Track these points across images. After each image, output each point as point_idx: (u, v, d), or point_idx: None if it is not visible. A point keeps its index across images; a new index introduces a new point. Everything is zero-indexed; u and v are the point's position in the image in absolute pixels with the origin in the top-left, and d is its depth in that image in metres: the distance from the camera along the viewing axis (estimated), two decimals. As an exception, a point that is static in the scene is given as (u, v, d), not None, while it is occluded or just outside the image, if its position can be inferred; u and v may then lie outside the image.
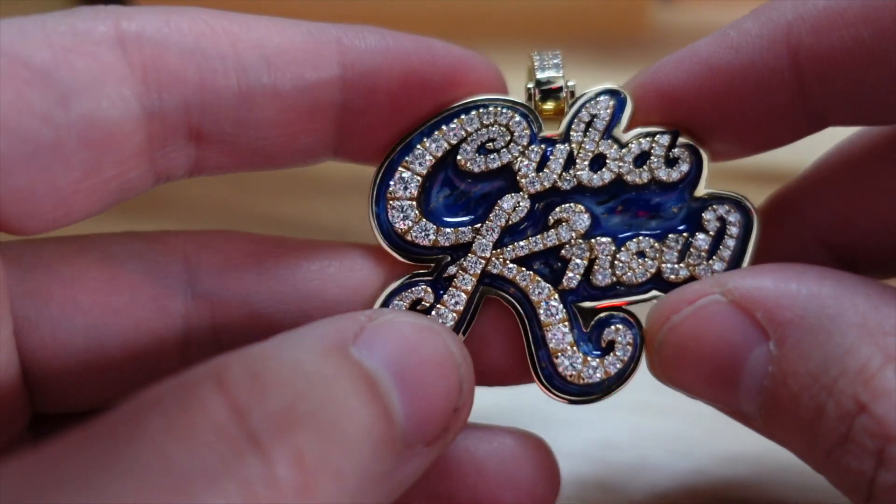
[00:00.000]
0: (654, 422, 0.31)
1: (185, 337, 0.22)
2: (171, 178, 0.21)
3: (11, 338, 0.20)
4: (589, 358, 0.22)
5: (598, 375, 0.22)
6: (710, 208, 0.23)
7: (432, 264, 0.23)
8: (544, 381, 0.22)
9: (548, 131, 0.23)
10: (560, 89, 0.23)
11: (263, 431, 0.15)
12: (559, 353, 0.22)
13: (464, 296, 0.23)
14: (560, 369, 0.22)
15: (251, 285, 0.22)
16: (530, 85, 0.23)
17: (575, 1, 0.51)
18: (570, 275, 0.23)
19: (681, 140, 0.23)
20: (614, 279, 0.23)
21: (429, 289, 0.23)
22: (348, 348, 0.18)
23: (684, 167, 0.23)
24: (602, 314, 0.23)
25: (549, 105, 0.23)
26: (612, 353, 0.22)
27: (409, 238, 0.22)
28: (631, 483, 0.29)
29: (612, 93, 0.23)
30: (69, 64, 0.18)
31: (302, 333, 0.18)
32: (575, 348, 0.22)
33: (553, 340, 0.22)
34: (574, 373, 0.22)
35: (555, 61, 0.23)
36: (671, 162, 0.23)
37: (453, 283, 0.23)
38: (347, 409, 0.16)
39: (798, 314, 0.19)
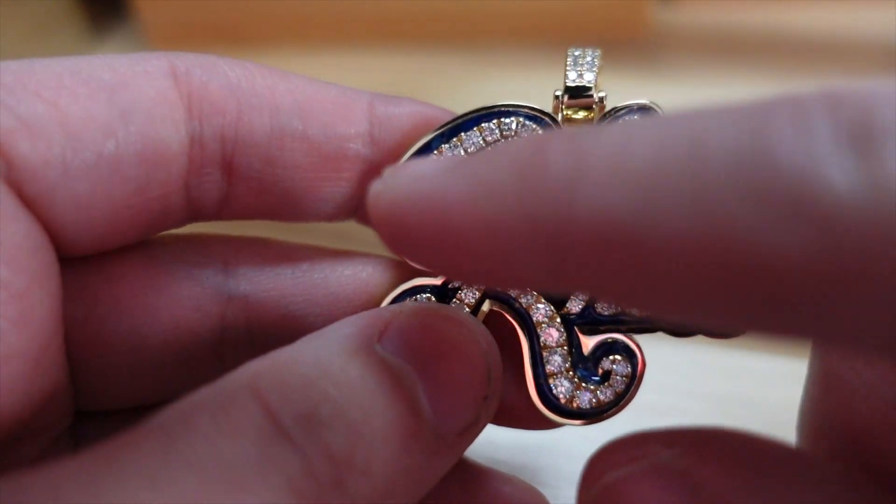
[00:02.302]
0: (654, 422, 0.31)
1: (221, 336, 0.22)
2: (203, 214, 0.22)
3: (63, 340, 0.20)
4: (584, 384, 0.22)
5: (590, 404, 0.22)
6: None
7: None
8: (539, 399, 0.22)
9: None
10: (590, 98, 0.22)
11: (295, 431, 0.16)
12: (554, 376, 0.22)
13: (467, 309, 0.22)
14: (554, 391, 0.22)
15: (286, 287, 0.23)
16: (558, 92, 0.22)
17: (575, 1, 0.51)
18: (574, 300, 0.22)
19: None
20: (619, 310, 0.22)
21: (433, 298, 0.22)
22: (373, 346, 0.18)
23: None
24: (604, 341, 0.22)
25: (579, 115, 0.22)
26: (607, 383, 0.22)
27: None
28: (631, 483, 0.29)
29: (643, 109, 0.21)
30: (129, 85, 0.20)
31: (327, 334, 0.18)
32: (571, 373, 0.22)
33: (550, 363, 0.22)
34: (567, 397, 0.22)
35: (589, 62, 0.22)
36: None
37: (457, 296, 0.22)
38: (373, 407, 0.17)
39: None
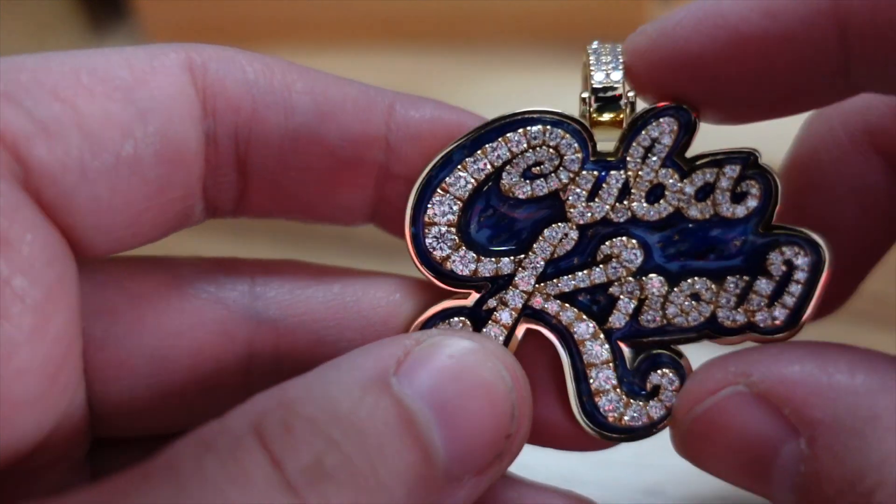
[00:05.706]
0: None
1: (248, 362, 0.22)
2: (220, 212, 0.22)
3: (81, 357, 0.20)
4: (632, 400, 0.21)
5: (642, 420, 0.21)
6: (777, 250, 0.21)
7: (472, 290, 0.21)
8: (585, 418, 0.21)
9: (603, 144, 0.21)
10: (619, 98, 0.21)
11: (298, 482, 0.15)
12: (601, 394, 0.21)
13: (503, 330, 0.21)
14: (602, 410, 0.21)
15: (317, 311, 0.22)
16: (585, 94, 0.21)
17: (575, 1, 0.51)
18: (618, 314, 0.21)
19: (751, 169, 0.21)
20: (665, 321, 0.21)
21: (467, 321, 0.21)
22: (388, 379, 0.17)
23: (752, 203, 0.21)
24: (649, 354, 0.22)
25: (606, 116, 0.21)
26: (656, 398, 0.21)
27: (447, 266, 0.21)
28: (631, 483, 0.29)
29: (677, 110, 0.20)
30: (147, 83, 0.19)
31: (342, 364, 0.18)
32: (619, 389, 0.21)
33: (596, 381, 0.21)
34: (616, 415, 0.21)
35: (614, 59, 0.21)
36: (738, 197, 0.21)
37: (493, 317, 0.21)
38: (381, 454, 0.16)
39: (829, 414, 0.17)
